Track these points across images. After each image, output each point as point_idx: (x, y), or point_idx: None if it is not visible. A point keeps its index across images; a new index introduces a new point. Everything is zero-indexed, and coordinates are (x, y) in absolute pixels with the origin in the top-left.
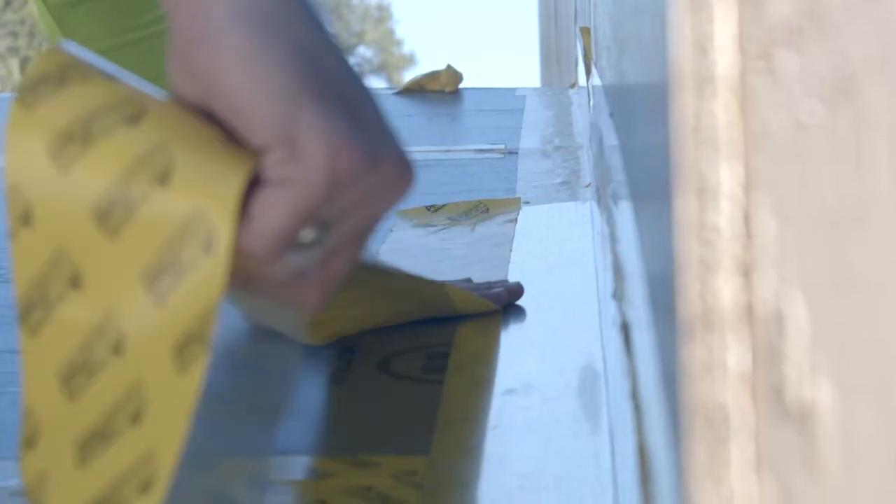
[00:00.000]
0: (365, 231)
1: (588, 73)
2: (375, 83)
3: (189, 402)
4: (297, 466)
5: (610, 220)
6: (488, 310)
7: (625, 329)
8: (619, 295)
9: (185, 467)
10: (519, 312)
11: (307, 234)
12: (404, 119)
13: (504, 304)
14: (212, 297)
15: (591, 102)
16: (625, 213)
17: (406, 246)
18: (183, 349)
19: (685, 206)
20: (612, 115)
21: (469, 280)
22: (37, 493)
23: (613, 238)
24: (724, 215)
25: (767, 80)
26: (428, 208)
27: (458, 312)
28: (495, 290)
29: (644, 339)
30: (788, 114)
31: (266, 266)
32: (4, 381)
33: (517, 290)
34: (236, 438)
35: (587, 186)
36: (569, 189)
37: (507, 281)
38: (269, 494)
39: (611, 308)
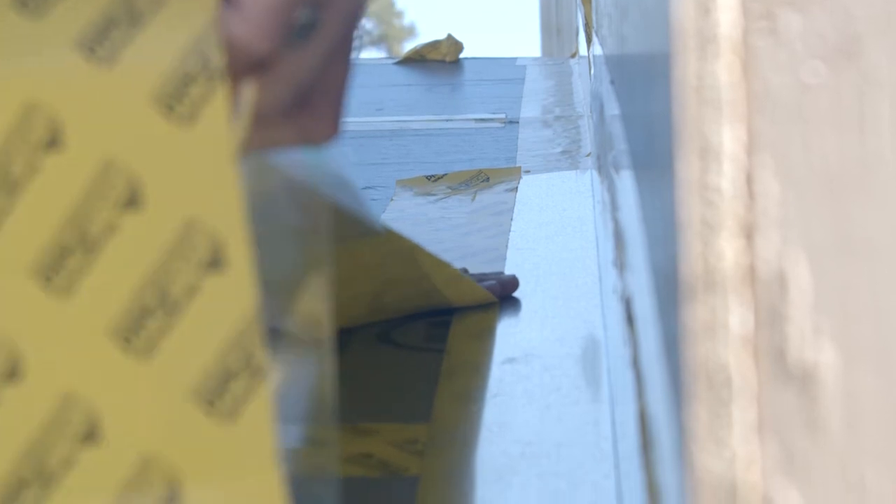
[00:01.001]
0: (355, 16)
1: (589, 41)
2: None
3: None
4: (297, 434)
5: (611, 188)
6: (486, 301)
7: (625, 296)
8: (619, 262)
9: None
10: (520, 281)
11: (301, 14)
12: (405, 89)
13: (497, 297)
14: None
15: (592, 71)
16: (626, 180)
17: (406, 215)
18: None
19: (687, 167)
20: (613, 82)
21: (465, 271)
22: None
23: (614, 205)
24: (727, 176)
25: (770, 40)
26: (428, 178)
27: (454, 305)
28: (487, 284)
29: (645, 305)
30: (791, 74)
31: (266, 54)
32: None
33: (511, 283)
34: None
35: (588, 156)
36: (569, 158)
37: (501, 273)
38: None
39: (611, 276)
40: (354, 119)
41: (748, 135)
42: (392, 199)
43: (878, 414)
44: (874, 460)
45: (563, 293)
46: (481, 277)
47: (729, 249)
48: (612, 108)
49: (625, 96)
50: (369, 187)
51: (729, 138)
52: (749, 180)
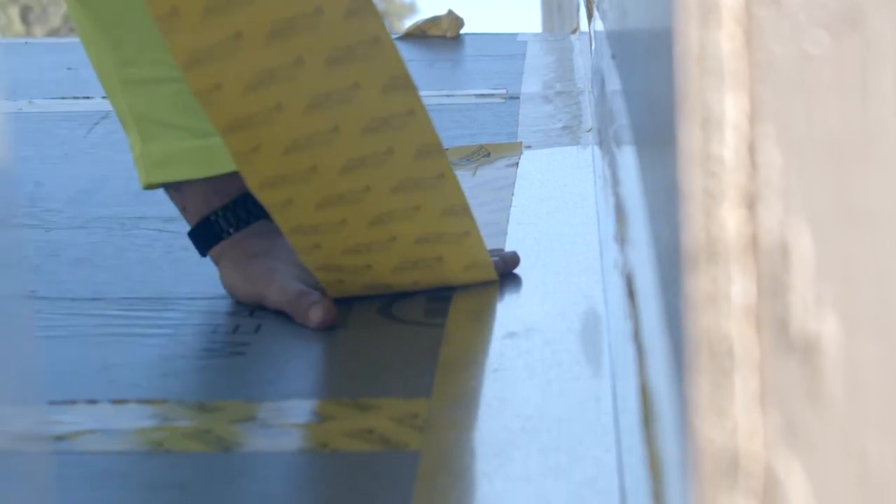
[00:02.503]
0: None
1: (590, 17)
2: None
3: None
4: (299, 410)
5: (612, 163)
6: (488, 279)
7: (626, 270)
8: (620, 237)
9: (185, 408)
10: (521, 256)
11: None
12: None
13: (500, 273)
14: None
15: (593, 46)
16: (627, 155)
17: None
18: None
19: (689, 137)
20: (614, 56)
21: None
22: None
23: (615, 180)
24: (729, 146)
25: (773, 9)
26: None
27: (457, 283)
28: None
29: (646, 279)
30: (794, 44)
31: None
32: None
33: (513, 260)
34: (240, 383)
35: (588, 131)
36: (570, 134)
37: (502, 250)
38: (266, 436)
39: (612, 250)
40: None
41: (750, 104)
42: None
43: (879, 384)
44: (876, 430)
45: (564, 268)
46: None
47: (731, 219)
48: (614, 84)
49: (626, 71)
50: None
51: (731, 108)
52: (751, 150)
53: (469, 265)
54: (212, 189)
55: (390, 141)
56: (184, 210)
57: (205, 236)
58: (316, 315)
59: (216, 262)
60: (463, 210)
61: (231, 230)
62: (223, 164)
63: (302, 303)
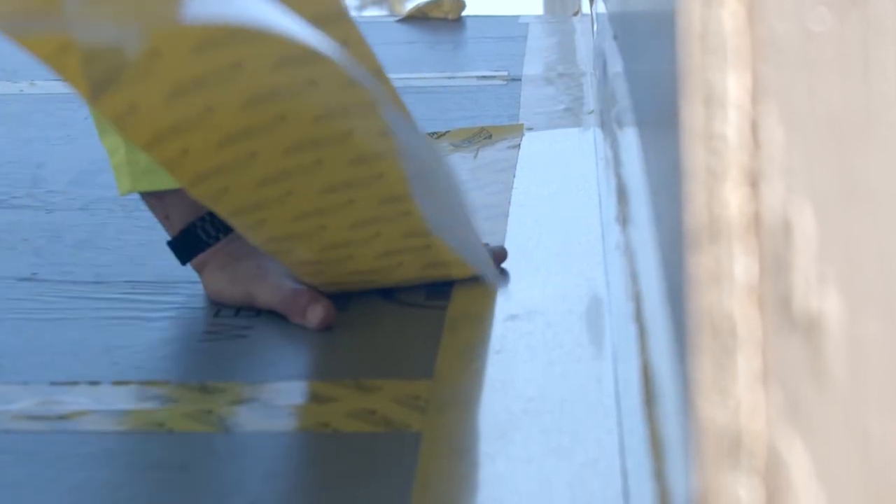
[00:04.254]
0: None
1: None
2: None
3: None
4: (301, 391)
5: (614, 144)
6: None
7: (628, 250)
8: (622, 217)
9: (186, 389)
10: (522, 238)
11: None
12: (407, 46)
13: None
14: None
15: (595, 28)
16: (629, 136)
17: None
18: None
19: (692, 116)
20: (616, 37)
21: None
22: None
23: (617, 161)
24: (732, 124)
25: None
26: (431, 135)
27: (454, 278)
28: None
29: (648, 259)
30: (797, 21)
31: None
32: (5, 307)
33: (500, 255)
34: (243, 365)
35: (590, 113)
36: (572, 116)
37: (488, 244)
38: (268, 417)
39: (614, 232)
40: None
41: (753, 82)
42: None
43: (882, 362)
44: (878, 409)
45: (566, 250)
46: None
47: (734, 198)
48: (616, 65)
49: (628, 51)
50: None
51: (734, 86)
52: (754, 128)
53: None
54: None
55: (349, 125)
56: (166, 219)
57: (188, 244)
58: (314, 314)
59: (199, 271)
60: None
61: (220, 235)
62: None
63: (298, 302)
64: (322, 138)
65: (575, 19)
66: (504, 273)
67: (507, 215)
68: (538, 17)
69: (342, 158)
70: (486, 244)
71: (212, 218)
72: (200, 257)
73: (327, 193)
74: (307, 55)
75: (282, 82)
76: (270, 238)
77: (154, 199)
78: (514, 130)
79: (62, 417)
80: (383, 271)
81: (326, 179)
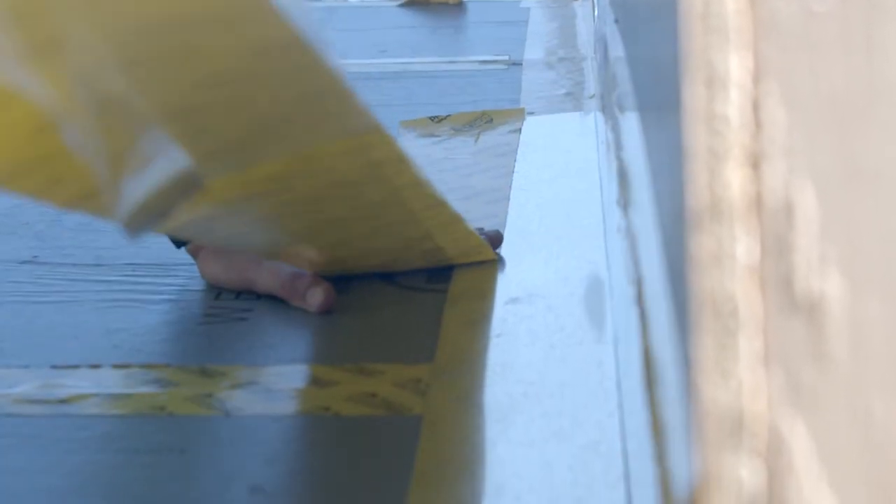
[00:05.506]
0: None
1: None
2: None
3: None
4: (301, 374)
5: (615, 128)
6: (485, 259)
7: (629, 233)
8: (623, 201)
9: (187, 373)
10: (524, 222)
11: None
12: (408, 31)
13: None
14: None
15: (596, 12)
16: (630, 119)
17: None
18: None
19: (694, 96)
20: (617, 21)
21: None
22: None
23: (618, 145)
24: (734, 105)
25: None
26: (432, 119)
27: (453, 262)
28: None
29: (650, 241)
30: (798, 1)
31: None
32: (6, 290)
33: (495, 238)
34: (244, 349)
35: (591, 97)
36: (573, 100)
37: (482, 229)
38: (268, 401)
39: (615, 215)
40: (358, 61)
41: (755, 62)
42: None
43: (884, 343)
44: (880, 390)
45: (567, 233)
46: None
47: (735, 179)
48: (617, 49)
49: (630, 35)
50: None
51: (736, 66)
52: (756, 108)
53: (460, 238)
54: None
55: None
56: None
57: None
58: (315, 298)
59: (194, 255)
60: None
61: None
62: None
63: (298, 285)
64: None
65: (576, 3)
66: (500, 258)
67: (508, 199)
68: (539, 1)
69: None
70: (481, 228)
71: None
72: (194, 243)
73: (331, 188)
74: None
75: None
76: (271, 241)
77: None
78: (516, 115)
79: (63, 401)
80: (380, 254)
81: (320, 178)
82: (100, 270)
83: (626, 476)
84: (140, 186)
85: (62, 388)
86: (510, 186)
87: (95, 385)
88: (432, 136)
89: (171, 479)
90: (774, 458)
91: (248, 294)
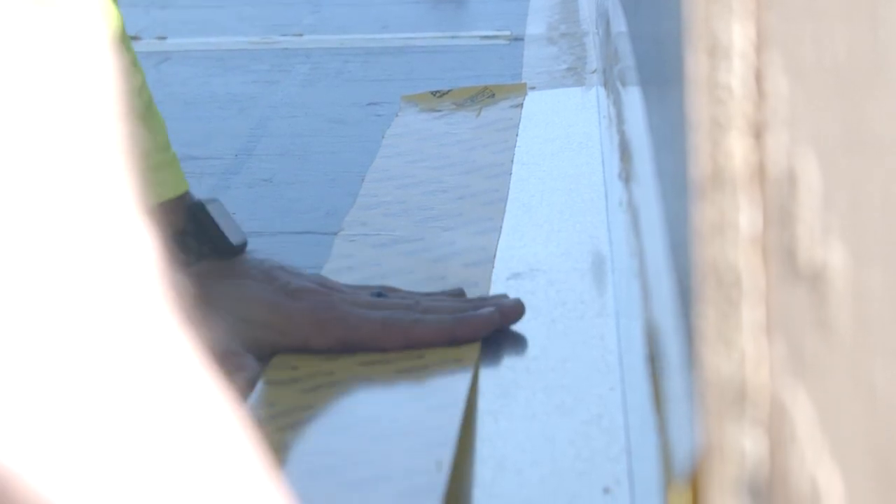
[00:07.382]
0: None
1: None
2: None
3: None
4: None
5: (617, 102)
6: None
7: (631, 206)
8: (625, 174)
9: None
10: (525, 196)
11: None
12: (410, 6)
13: (494, 328)
14: None
15: None
16: (632, 93)
17: (412, 130)
18: None
19: (696, 66)
20: None
21: (461, 291)
22: None
23: (620, 119)
24: (736, 74)
25: None
26: (434, 94)
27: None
28: (485, 311)
29: (651, 214)
30: None
31: None
32: None
33: (512, 312)
34: None
35: (593, 72)
36: (575, 75)
37: (506, 296)
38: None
39: (617, 189)
40: (360, 36)
41: (757, 31)
42: (397, 115)
43: (887, 313)
44: (883, 360)
45: (569, 208)
46: (479, 303)
47: (738, 148)
48: (619, 24)
49: (631, 10)
50: (374, 103)
51: (738, 35)
52: (758, 77)
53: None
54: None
55: None
56: None
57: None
58: (236, 382)
59: None
60: None
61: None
62: (164, 192)
63: (224, 364)
64: None
65: None
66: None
67: (510, 174)
68: None
69: None
70: (504, 295)
71: (183, 239)
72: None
73: None
74: None
75: None
76: None
77: None
78: (517, 90)
79: None
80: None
81: None
82: None
83: (628, 450)
84: None
85: None
86: (512, 161)
87: None
88: (434, 110)
89: None
90: (777, 428)
91: None
